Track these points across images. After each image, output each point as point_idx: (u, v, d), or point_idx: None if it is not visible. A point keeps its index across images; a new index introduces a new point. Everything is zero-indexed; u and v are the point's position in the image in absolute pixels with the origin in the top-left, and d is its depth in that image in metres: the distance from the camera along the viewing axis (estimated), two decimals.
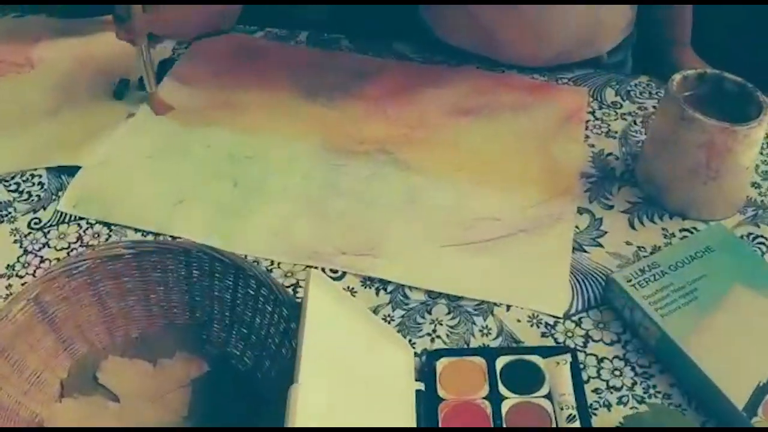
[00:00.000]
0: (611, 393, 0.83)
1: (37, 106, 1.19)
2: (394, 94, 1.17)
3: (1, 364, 0.80)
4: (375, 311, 0.91)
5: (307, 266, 0.95)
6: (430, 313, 0.91)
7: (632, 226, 0.99)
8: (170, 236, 0.99)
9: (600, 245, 0.97)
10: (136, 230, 1.00)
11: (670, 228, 0.98)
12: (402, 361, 0.86)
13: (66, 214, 1.02)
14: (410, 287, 0.93)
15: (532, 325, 0.90)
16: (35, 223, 1.01)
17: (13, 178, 1.07)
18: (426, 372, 0.85)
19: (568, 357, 0.85)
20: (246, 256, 0.96)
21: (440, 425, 0.81)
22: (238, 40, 1.30)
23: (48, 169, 1.08)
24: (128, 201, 1.03)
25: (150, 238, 1.00)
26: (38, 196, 1.05)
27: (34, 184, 1.06)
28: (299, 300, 0.77)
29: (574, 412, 0.80)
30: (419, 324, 0.90)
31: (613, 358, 0.87)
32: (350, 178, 1.04)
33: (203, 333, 0.90)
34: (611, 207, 1.01)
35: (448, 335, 0.89)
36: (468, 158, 1.06)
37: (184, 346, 0.89)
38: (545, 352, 0.87)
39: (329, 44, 1.30)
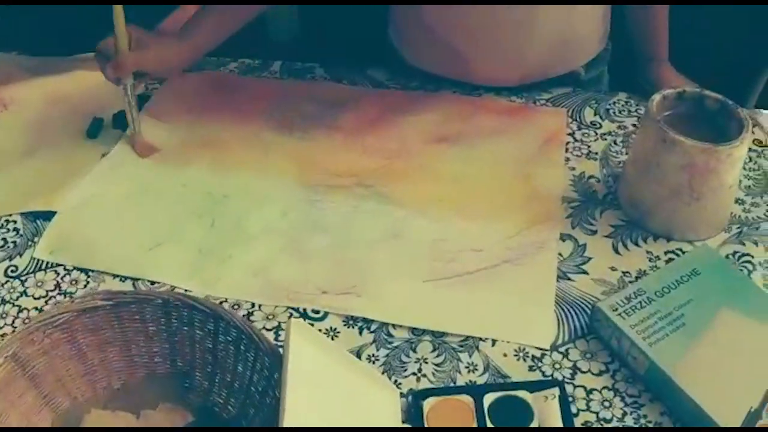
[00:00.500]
0: (602, 425, 0.82)
1: (9, 148, 1.18)
2: (371, 123, 1.16)
3: None
4: (359, 351, 0.90)
5: (288, 308, 0.94)
6: (414, 351, 0.90)
7: (616, 251, 0.98)
8: (149, 281, 0.97)
9: (585, 272, 0.96)
10: (114, 276, 0.99)
11: (655, 251, 0.98)
12: (387, 403, 0.84)
13: (43, 261, 1.01)
14: (394, 325, 0.92)
15: (518, 359, 0.89)
16: (12, 271, 1.00)
17: None
18: (413, 413, 0.84)
19: (556, 391, 0.84)
20: (226, 299, 0.95)
21: None
22: (211, 75, 1.29)
23: (23, 213, 1.07)
24: (105, 246, 1.01)
25: (128, 284, 0.98)
26: (14, 242, 1.03)
27: (9, 230, 1.05)
28: (280, 345, 0.76)
29: None
30: (404, 363, 0.88)
31: (602, 388, 0.85)
32: (330, 214, 1.03)
33: (186, 382, 0.88)
34: (594, 232, 1.00)
35: (434, 373, 0.87)
36: (448, 188, 1.05)
37: (167, 396, 0.88)
38: (533, 386, 0.86)
39: (303, 73, 1.29)
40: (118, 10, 1.05)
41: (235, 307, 0.94)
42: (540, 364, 0.88)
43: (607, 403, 0.84)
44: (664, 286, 0.91)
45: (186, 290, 0.96)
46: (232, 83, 1.26)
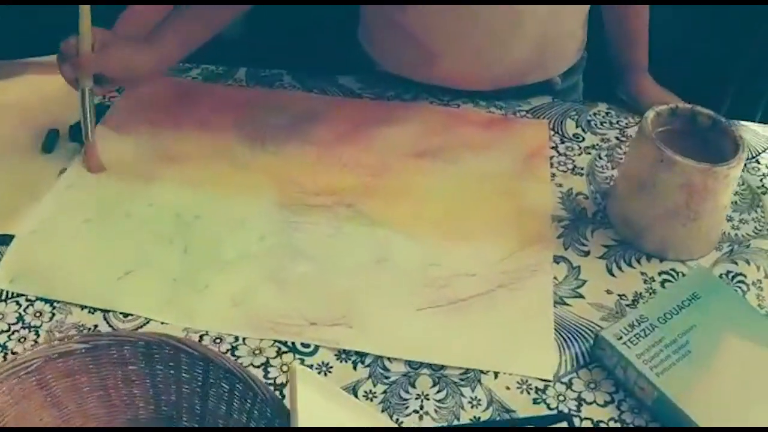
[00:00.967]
0: None
1: None
2: (346, 136, 1.09)
3: None
4: (354, 388, 0.84)
5: (275, 341, 0.87)
6: (414, 386, 0.84)
7: (611, 273, 0.94)
8: (121, 313, 0.89)
9: (581, 296, 0.92)
10: (83, 307, 0.90)
11: (649, 272, 0.95)
12: None
13: (3, 291, 0.91)
14: (389, 358, 0.86)
15: (522, 392, 0.84)
16: None
17: None
18: None
19: (564, 425, 0.81)
20: (207, 332, 0.88)
21: None
22: (174, 83, 1.19)
23: None
24: (70, 274, 0.92)
25: (98, 316, 0.90)
26: None
27: None
28: (270, 383, 0.69)
29: None
30: (405, 400, 0.83)
31: (609, 420, 0.82)
32: (310, 237, 0.96)
33: (171, 427, 0.81)
34: (587, 253, 0.96)
35: (436, 410, 0.82)
36: (434, 207, 1.00)
37: None
38: (541, 421, 0.82)
39: (270, 81, 1.21)
40: (85, 9, 0.96)
41: (217, 340, 0.87)
42: (544, 396, 0.84)
43: None
44: (665, 311, 0.88)
45: (162, 322, 0.88)
46: (195, 91, 1.17)
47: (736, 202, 1.03)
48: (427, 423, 0.82)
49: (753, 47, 1.30)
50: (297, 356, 0.86)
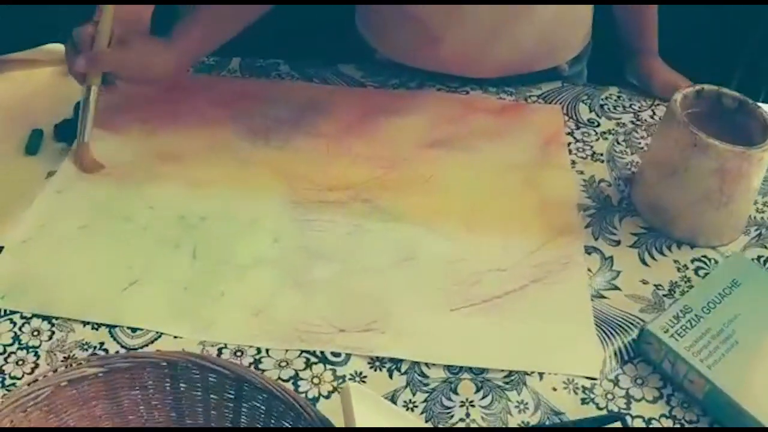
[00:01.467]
0: None
1: None
2: (354, 127, 0.97)
3: None
4: (393, 397, 0.74)
5: (302, 351, 0.76)
6: (456, 392, 0.74)
7: (644, 262, 0.85)
8: (128, 327, 0.77)
9: (617, 288, 0.83)
10: (85, 323, 0.78)
11: (681, 259, 0.86)
12: None
13: None
14: (426, 364, 0.76)
15: (569, 392, 0.75)
16: None
17: None
18: None
19: (618, 425, 0.72)
20: (226, 344, 0.76)
21: None
22: None
23: None
24: (69, 287, 0.80)
25: (103, 332, 0.77)
26: None
27: None
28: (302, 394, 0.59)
29: None
30: (448, 408, 0.73)
31: (660, 416, 0.73)
32: (329, 236, 0.85)
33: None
34: (618, 242, 0.87)
35: (483, 417, 0.72)
36: (454, 200, 0.89)
37: None
38: (594, 423, 0.73)
39: (266, 71, 1.08)
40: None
41: (238, 354, 0.76)
42: (592, 396, 0.75)
43: None
44: (708, 301, 0.80)
45: (176, 336, 0.77)
46: (187, 85, 1.03)
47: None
48: None
49: (760, 29, 1.23)
50: (327, 366, 0.75)
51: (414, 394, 0.74)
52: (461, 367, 0.76)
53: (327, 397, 0.73)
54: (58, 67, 1.04)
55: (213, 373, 0.66)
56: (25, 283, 0.80)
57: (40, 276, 0.80)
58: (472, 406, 0.74)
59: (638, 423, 0.73)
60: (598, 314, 0.81)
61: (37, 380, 0.66)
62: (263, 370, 0.75)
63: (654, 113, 1.02)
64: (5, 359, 0.75)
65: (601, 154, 0.97)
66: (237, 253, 0.83)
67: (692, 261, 0.86)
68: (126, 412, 0.68)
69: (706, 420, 0.74)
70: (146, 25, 1.00)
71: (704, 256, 0.87)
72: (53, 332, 0.77)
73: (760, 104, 0.88)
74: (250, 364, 0.75)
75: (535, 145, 0.96)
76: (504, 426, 0.73)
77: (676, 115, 0.85)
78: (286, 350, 0.76)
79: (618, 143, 0.99)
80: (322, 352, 0.76)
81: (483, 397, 0.75)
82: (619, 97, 1.06)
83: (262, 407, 0.66)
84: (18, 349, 0.76)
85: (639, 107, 1.03)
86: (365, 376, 0.75)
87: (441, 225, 0.86)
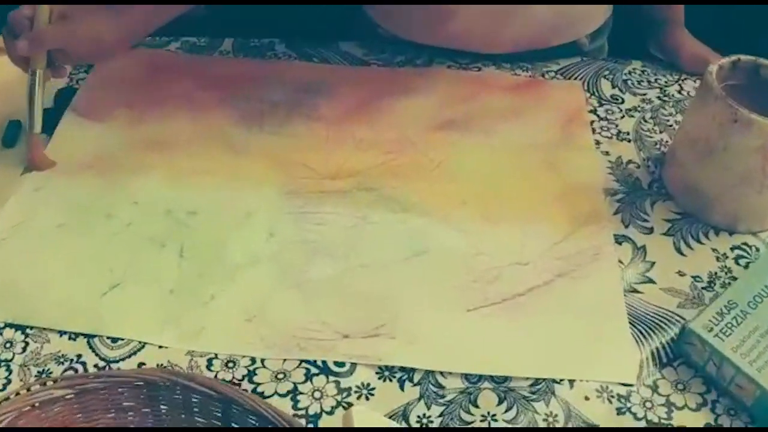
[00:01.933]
0: None
1: None
2: (357, 110, 0.84)
3: None
4: (404, 413, 0.61)
5: (301, 361, 0.64)
6: (476, 404, 0.62)
7: (679, 251, 0.72)
8: (108, 337, 0.65)
9: (651, 281, 0.70)
10: (62, 333, 0.66)
11: (720, 247, 0.73)
12: None
13: None
14: (442, 372, 0.64)
15: (603, 401, 0.63)
16: None
17: None
18: None
19: None
20: (216, 354, 0.64)
21: None
22: (150, 58, 0.91)
23: None
24: (44, 293, 0.68)
25: (81, 342, 0.65)
26: None
27: None
28: (307, 422, 0.48)
29: None
30: (467, 423, 0.61)
31: (705, 424, 0.62)
32: (331, 230, 0.72)
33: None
34: (651, 230, 0.74)
35: None
36: (469, 186, 0.76)
37: None
38: None
39: (261, 51, 0.94)
40: None
41: (230, 364, 0.64)
42: (629, 404, 0.62)
43: None
44: (754, 294, 0.67)
45: (161, 346, 0.65)
46: (176, 66, 0.90)
47: None
48: None
49: None
50: (330, 378, 0.63)
51: (429, 408, 0.62)
52: (481, 376, 0.64)
53: (330, 413, 0.61)
54: None
55: (197, 394, 0.55)
56: None
57: (14, 281, 0.68)
58: (495, 420, 0.62)
59: None
60: (632, 311, 0.69)
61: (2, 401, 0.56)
62: (258, 383, 0.63)
63: (681, 88, 0.89)
64: None
65: (628, 133, 0.83)
66: (229, 251, 0.70)
67: (732, 249, 0.73)
68: None
69: (755, 426, 0.62)
70: None
71: (744, 243, 0.74)
72: (27, 343, 0.65)
73: None
74: (244, 376, 0.63)
75: (555, 125, 0.82)
76: None
77: (713, 89, 0.72)
78: (284, 360, 0.64)
79: (645, 121, 0.85)
80: (323, 362, 0.64)
81: (507, 410, 0.63)
82: (643, 71, 0.91)
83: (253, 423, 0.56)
84: None
85: (665, 82, 0.89)
86: (373, 388, 0.63)
87: (454, 215, 0.74)
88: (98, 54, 0.81)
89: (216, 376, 0.64)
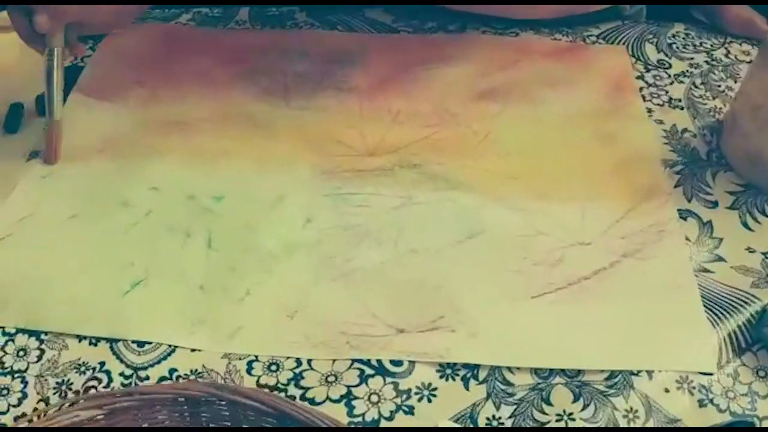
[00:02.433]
0: None
1: None
2: (391, 81, 0.73)
3: None
4: (472, 414, 0.52)
5: (353, 361, 0.54)
6: (549, 402, 0.52)
7: (746, 226, 0.62)
8: (133, 341, 0.55)
9: (721, 259, 0.60)
10: (81, 338, 0.55)
11: None
12: None
13: None
14: (509, 368, 0.55)
15: (683, 392, 0.53)
16: None
17: None
18: None
19: None
20: (257, 357, 0.54)
21: None
22: (160, 32, 0.80)
23: None
24: (58, 294, 0.57)
25: (104, 348, 0.55)
26: None
27: None
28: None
29: None
30: (543, 425, 0.52)
31: None
32: (374, 213, 0.62)
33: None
34: (715, 204, 0.64)
35: None
36: (518, 161, 0.66)
37: None
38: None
39: (281, 21, 0.82)
40: None
41: (273, 368, 0.54)
42: (710, 395, 0.53)
43: None
44: None
45: (193, 350, 0.55)
46: (189, 40, 0.78)
47: None
48: None
49: None
50: (387, 379, 0.53)
51: (498, 408, 0.53)
52: (551, 370, 0.54)
53: (389, 419, 0.51)
54: None
55: (246, 409, 0.45)
56: (5, 291, 0.57)
57: (24, 281, 0.57)
58: (572, 419, 0.53)
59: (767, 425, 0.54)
60: (704, 292, 0.58)
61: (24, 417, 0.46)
62: (306, 388, 0.53)
63: (728, 52, 0.78)
64: None
65: (679, 100, 0.73)
66: (262, 240, 0.60)
67: None
68: None
69: None
70: None
71: None
72: (43, 351, 0.55)
73: None
74: (289, 380, 0.53)
75: (602, 93, 0.72)
76: None
77: None
78: (333, 360, 0.54)
79: (695, 87, 0.75)
80: (378, 361, 0.54)
81: (584, 407, 0.54)
82: (687, 35, 0.80)
83: None
84: (1, 374, 0.54)
85: (711, 45, 0.79)
86: (435, 389, 0.53)
87: (507, 192, 0.63)
88: (119, 21, 0.69)
89: (258, 381, 0.54)
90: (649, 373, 0.54)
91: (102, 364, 0.54)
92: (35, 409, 0.51)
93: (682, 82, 0.75)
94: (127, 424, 0.45)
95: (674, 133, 0.70)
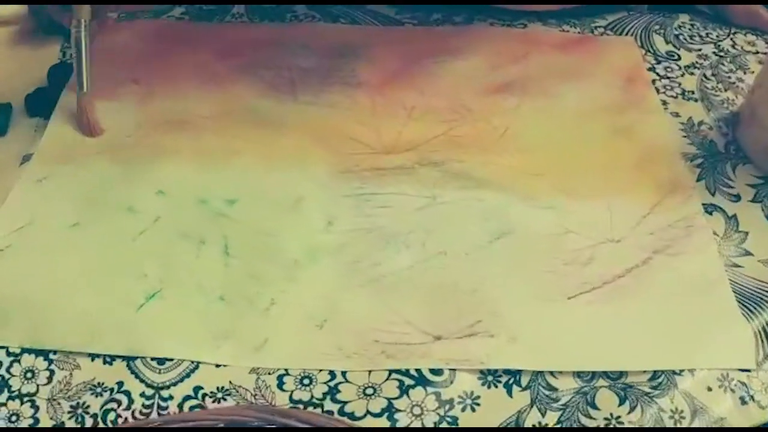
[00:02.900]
0: None
1: None
2: (401, 75, 0.70)
3: None
4: (518, 422, 0.50)
5: (390, 371, 0.51)
6: (595, 406, 0.51)
7: None
8: (152, 359, 0.51)
9: (749, 253, 0.59)
10: (94, 357, 0.51)
11: None
12: None
13: None
14: (552, 372, 0.53)
15: (725, 390, 0.52)
16: None
17: None
18: None
19: None
20: (287, 370, 0.50)
21: None
22: (153, 26, 0.75)
23: None
24: (65, 308, 0.53)
25: (119, 366, 0.50)
26: None
27: None
28: None
29: None
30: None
31: None
32: (398, 213, 0.59)
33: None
34: (738, 197, 0.63)
35: None
36: (540, 157, 0.63)
37: None
38: None
39: (280, 14, 0.77)
40: None
41: (306, 380, 0.51)
42: (751, 392, 0.52)
43: None
44: None
45: (217, 365, 0.51)
46: (184, 34, 0.73)
47: None
48: None
49: None
50: (429, 389, 0.51)
51: (543, 415, 0.50)
52: (594, 373, 0.53)
53: None
54: (17, 27, 0.75)
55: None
56: (6, 308, 0.52)
57: (26, 297, 0.53)
58: (620, 422, 0.51)
59: None
60: (735, 287, 0.57)
61: None
62: (344, 402, 0.50)
63: (734, 43, 0.77)
64: None
65: (692, 92, 0.72)
66: (283, 245, 0.56)
67: None
68: None
69: None
70: None
71: None
72: (53, 371, 0.50)
73: None
74: (325, 394, 0.50)
75: (616, 86, 0.70)
76: None
77: None
78: (369, 371, 0.51)
79: (706, 78, 0.73)
80: (417, 370, 0.51)
81: (630, 410, 0.52)
82: (692, 25, 0.79)
83: None
84: (9, 398, 0.49)
85: (717, 36, 0.78)
86: (477, 397, 0.51)
87: (533, 190, 0.61)
88: None
89: (291, 397, 0.51)
90: (691, 371, 0.53)
91: (120, 384, 0.50)
92: None
93: (692, 73, 0.74)
94: None
95: (691, 125, 0.69)
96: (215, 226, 0.57)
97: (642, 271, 0.57)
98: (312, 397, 0.51)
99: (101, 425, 0.49)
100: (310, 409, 0.50)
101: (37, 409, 0.49)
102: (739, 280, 0.59)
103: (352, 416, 0.50)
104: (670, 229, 0.60)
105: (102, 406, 0.49)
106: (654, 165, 0.64)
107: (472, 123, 0.66)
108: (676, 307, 0.55)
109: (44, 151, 0.62)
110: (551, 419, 0.51)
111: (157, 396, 0.50)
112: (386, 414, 0.49)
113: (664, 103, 0.70)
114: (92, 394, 0.50)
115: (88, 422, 0.49)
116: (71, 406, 0.50)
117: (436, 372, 0.52)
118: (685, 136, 0.68)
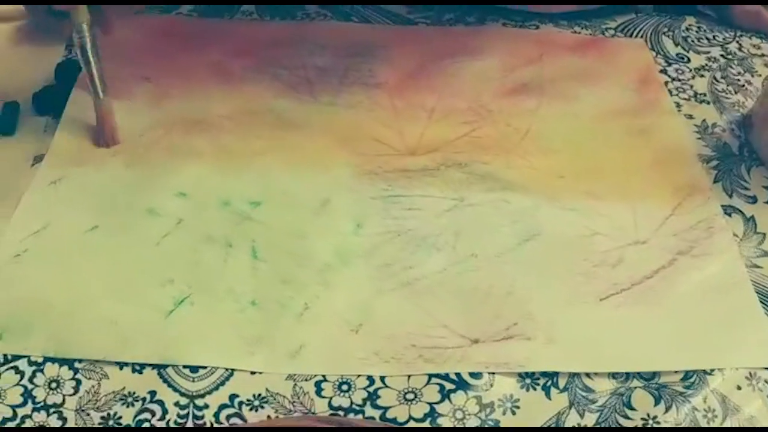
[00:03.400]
0: None
1: None
2: (419, 75, 0.70)
3: None
4: (558, 424, 0.50)
5: (430, 376, 0.51)
6: (631, 406, 0.51)
7: None
8: (185, 366, 0.50)
9: (767, 254, 0.63)
10: (122, 365, 0.50)
11: None
12: None
13: None
14: (588, 374, 0.53)
15: (753, 389, 0.53)
16: None
17: None
18: None
19: None
20: (324, 376, 0.50)
21: None
22: (161, 25, 0.73)
23: None
24: (89, 315, 0.51)
25: (150, 375, 0.49)
26: None
27: None
28: None
29: None
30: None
31: None
32: (427, 216, 0.59)
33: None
34: (754, 199, 0.64)
35: None
36: (562, 159, 0.64)
37: None
38: None
39: (291, 12, 0.76)
40: None
41: (344, 386, 0.50)
42: None
43: None
44: None
45: (252, 372, 0.51)
46: (195, 32, 0.72)
47: None
48: None
49: None
50: (470, 393, 0.51)
51: (582, 416, 0.51)
52: (627, 374, 0.54)
53: None
54: (21, 23, 0.72)
55: None
56: (27, 315, 0.51)
57: (47, 304, 0.52)
58: (657, 423, 0.52)
59: None
60: (756, 288, 0.59)
61: None
62: (385, 408, 0.50)
63: (741, 45, 0.79)
64: (18, 424, 0.47)
65: (704, 94, 0.73)
66: (312, 249, 0.56)
67: None
68: None
69: None
70: None
71: None
72: (79, 381, 0.49)
73: None
74: (364, 400, 0.50)
75: (630, 88, 0.71)
76: None
77: None
78: (408, 376, 0.51)
79: (716, 81, 0.75)
80: (457, 374, 0.51)
81: (666, 410, 0.53)
82: (699, 28, 0.81)
83: None
84: (33, 410, 0.48)
85: (723, 39, 0.80)
86: (517, 400, 0.51)
87: (558, 191, 0.62)
88: None
89: (330, 403, 0.51)
90: (721, 371, 0.55)
91: (152, 393, 0.49)
92: None
93: (703, 76, 0.75)
94: None
95: (705, 128, 0.70)
96: (241, 228, 0.57)
97: (668, 272, 0.58)
98: (352, 403, 0.50)
99: None
100: (351, 416, 0.50)
101: (65, 420, 0.48)
102: (760, 280, 0.60)
103: (394, 422, 0.50)
104: (693, 231, 0.61)
105: (135, 417, 0.49)
106: (672, 167, 0.65)
107: (492, 124, 0.66)
108: (703, 307, 0.57)
109: (56, 152, 0.60)
110: (590, 420, 0.51)
111: (191, 405, 0.50)
112: (428, 419, 0.50)
113: (678, 105, 0.72)
114: (123, 404, 0.49)
115: None
116: (102, 417, 0.48)
117: (476, 375, 0.52)
118: (699, 138, 0.69)
